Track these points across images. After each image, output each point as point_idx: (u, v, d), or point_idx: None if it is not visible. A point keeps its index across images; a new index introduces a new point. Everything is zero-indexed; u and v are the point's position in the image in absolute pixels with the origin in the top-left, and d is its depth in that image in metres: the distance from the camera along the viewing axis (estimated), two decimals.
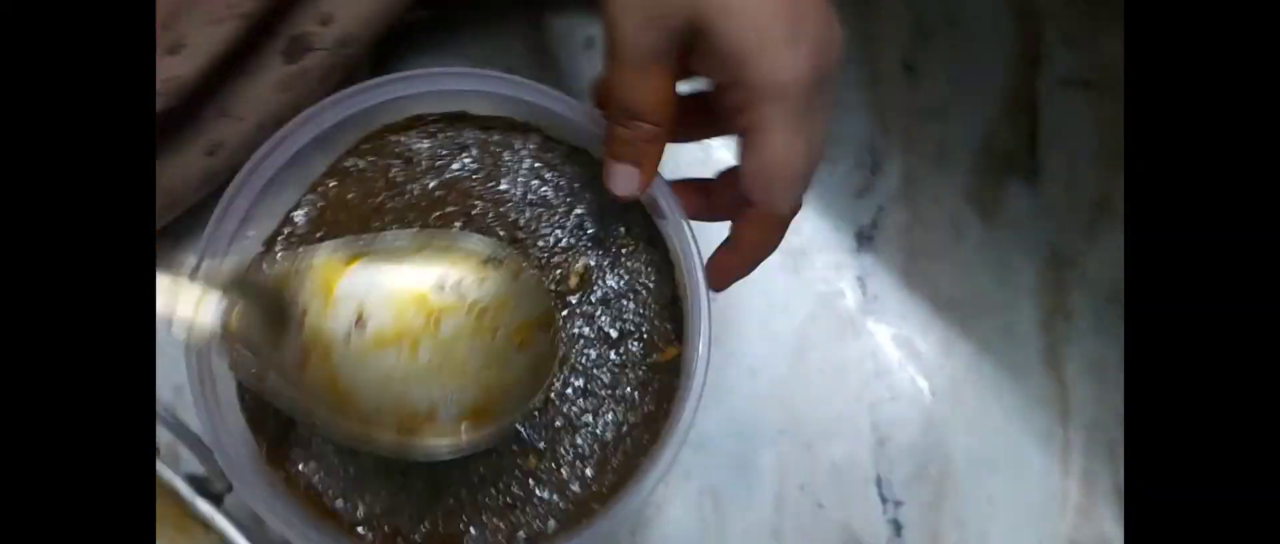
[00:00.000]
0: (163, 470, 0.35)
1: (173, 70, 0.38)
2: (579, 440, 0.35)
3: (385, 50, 0.45)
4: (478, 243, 0.32)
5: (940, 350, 0.47)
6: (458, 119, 0.37)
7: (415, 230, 0.36)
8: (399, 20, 0.42)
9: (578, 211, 0.37)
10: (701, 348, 0.34)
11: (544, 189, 0.37)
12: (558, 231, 0.37)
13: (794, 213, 0.33)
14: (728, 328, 0.47)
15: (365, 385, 0.30)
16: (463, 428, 0.31)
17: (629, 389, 0.35)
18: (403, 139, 0.37)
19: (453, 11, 0.47)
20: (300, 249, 0.35)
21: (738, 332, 0.47)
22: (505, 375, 0.32)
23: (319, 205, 0.37)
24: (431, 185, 0.36)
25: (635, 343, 0.36)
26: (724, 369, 0.46)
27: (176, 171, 0.41)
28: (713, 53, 0.29)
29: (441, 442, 0.31)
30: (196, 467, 0.36)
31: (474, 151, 0.37)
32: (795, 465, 0.46)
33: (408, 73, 0.35)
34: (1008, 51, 0.50)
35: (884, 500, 0.45)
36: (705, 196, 0.35)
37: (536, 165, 0.37)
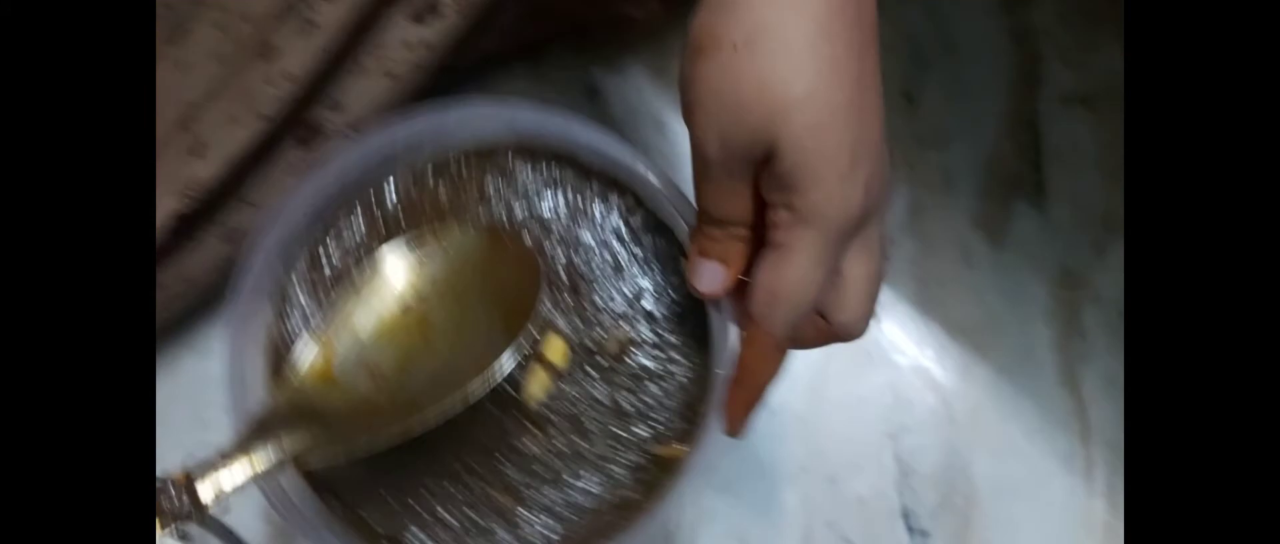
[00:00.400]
0: None
1: (194, 172, 0.39)
2: (552, 495, 0.36)
3: None
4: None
5: (958, 376, 0.47)
6: (564, 159, 0.38)
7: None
8: (410, 99, 0.43)
9: (642, 283, 0.37)
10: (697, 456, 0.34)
11: (619, 250, 0.37)
12: (616, 295, 0.37)
13: (795, 347, 0.33)
14: None
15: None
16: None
17: (619, 469, 0.36)
18: (512, 159, 0.38)
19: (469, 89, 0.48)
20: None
21: None
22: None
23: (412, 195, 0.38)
24: (517, 210, 0.37)
25: (645, 427, 0.36)
26: None
27: (195, 260, 0.42)
28: (775, 176, 0.29)
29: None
30: None
31: (568, 193, 0.38)
32: (821, 502, 0.46)
33: (520, 102, 0.36)
34: (1006, 73, 0.50)
35: (912, 531, 0.46)
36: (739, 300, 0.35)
37: (619, 226, 0.37)
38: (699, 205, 0.32)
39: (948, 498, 0.46)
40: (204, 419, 0.47)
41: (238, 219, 0.42)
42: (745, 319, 0.32)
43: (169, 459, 0.46)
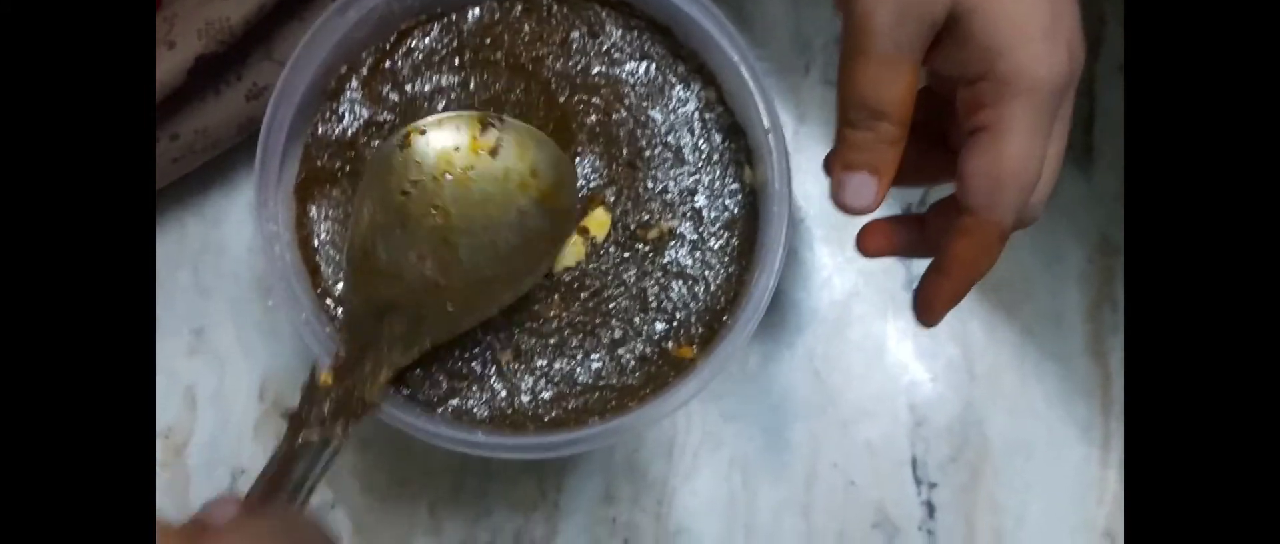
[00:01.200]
0: None
1: (221, 11, 0.37)
2: (554, 364, 0.34)
3: None
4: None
5: (984, 333, 0.46)
6: (657, 29, 0.36)
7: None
8: None
9: (701, 179, 0.36)
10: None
11: (686, 140, 0.36)
12: (671, 185, 0.35)
13: (1016, 229, 0.30)
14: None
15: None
16: None
17: (629, 357, 0.34)
18: (604, 11, 0.36)
19: None
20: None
21: (777, 303, 0.46)
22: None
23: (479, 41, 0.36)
24: (595, 70, 0.35)
25: (663, 323, 0.35)
26: (762, 341, 0.45)
27: (218, 113, 0.40)
28: (966, 44, 0.27)
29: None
30: None
31: (651, 68, 0.36)
32: (829, 442, 0.45)
33: None
34: None
35: (918, 482, 0.45)
36: (919, 229, 0.33)
37: (694, 115, 0.36)
38: (849, 100, 0.29)
39: (959, 452, 0.45)
40: (204, 286, 0.46)
41: (264, 76, 0.40)
42: (961, 211, 0.30)
43: (169, 326, 0.45)
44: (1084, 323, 0.46)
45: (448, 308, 0.32)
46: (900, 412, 0.45)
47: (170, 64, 0.37)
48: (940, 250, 0.31)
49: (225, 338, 0.46)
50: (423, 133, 0.34)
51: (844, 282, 0.46)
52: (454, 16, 0.35)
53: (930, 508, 0.45)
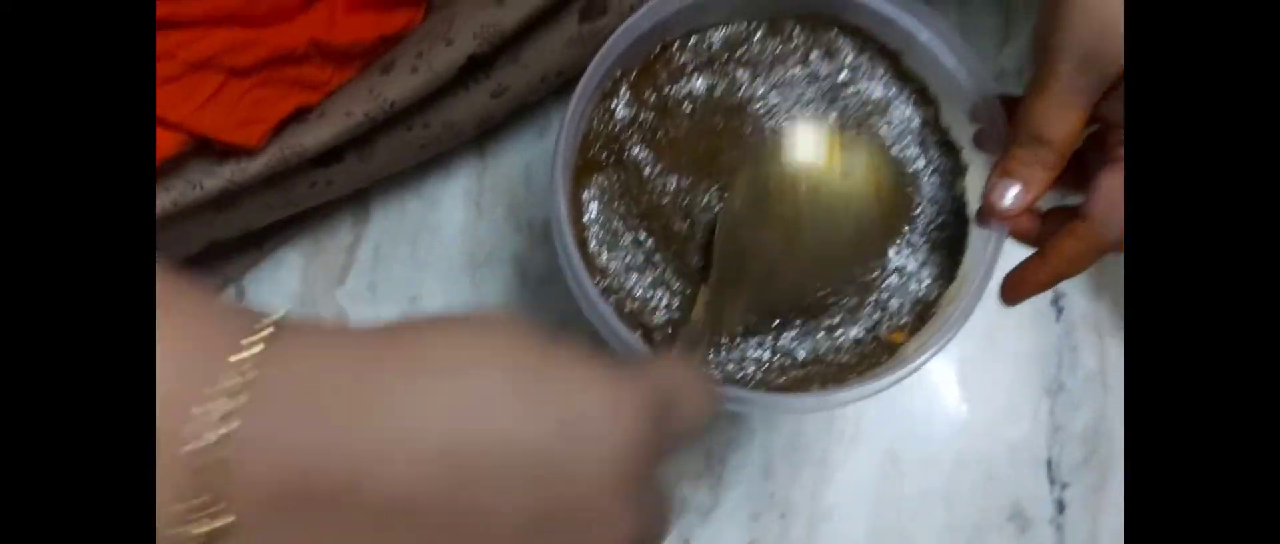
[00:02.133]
0: None
1: (493, 18, 0.42)
2: (781, 338, 0.40)
3: None
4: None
5: (1120, 349, 0.50)
6: (886, 53, 0.41)
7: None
8: None
9: (922, 191, 0.41)
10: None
11: (909, 153, 0.41)
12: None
13: (1113, 249, 0.35)
14: None
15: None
16: None
17: (848, 337, 0.40)
18: (839, 36, 0.41)
19: None
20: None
21: None
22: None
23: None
24: (826, 75, 0.41)
25: (878, 312, 0.40)
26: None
27: (464, 107, 0.45)
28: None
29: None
30: None
31: (881, 85, 0.41)
32: (973, 439, 0.50)
33: None
34: None
35: (1052, 481, 0.50)
36: (1038, 221, 0.38)
37: (917, 129, 0.41)
38: (1022, 125, 0.34)
39: (1091, 456, 0.50)
40: (420, 260, 0.51)
41: (509, 78, 0.45)
42: (1079, 217, 0.35)
43: (387, 293, 0.50)
44: None
45: (790, 278, 0.38)
46: (1041, 415, 0.50)
47: (446, 59, 0.42)
48: (1048, 243, 0.36)
49: (435, 307, 0.51)
50: (782, 140, 0.40)
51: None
52: (708, 33, 0.41)
53: (1061, 505, 0.49)
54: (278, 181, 0.44)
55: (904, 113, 0.41)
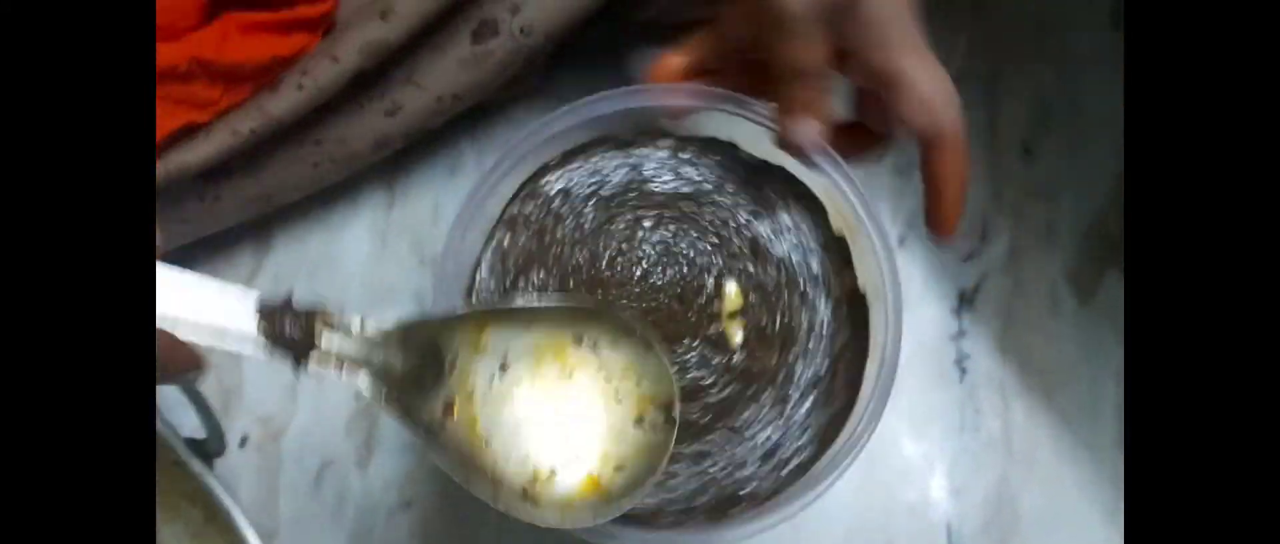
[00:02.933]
0: (163, 429, 0.41)
1: (378, 34, 0.42)
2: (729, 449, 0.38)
3: (566, 49, 0.48)
4: (619, 313, 0.34)
5: (1024, 414, 0.49)
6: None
7: (563, 295, 0.39)
8: (581, 21, 0.45)
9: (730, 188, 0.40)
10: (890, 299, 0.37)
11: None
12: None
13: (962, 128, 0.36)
14: None
15: (501, 430, 0.33)
16: (575, 500, 0.33)
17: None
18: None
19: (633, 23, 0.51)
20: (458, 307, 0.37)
21: None
22: (620, 449, 0.34)
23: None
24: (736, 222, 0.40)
25: (809, 280, 0.39)
26: None
27: (357, 126, 0.45)
28: (861, 21, 0.35)
29: (551, 512, 0.33)
30: (196, 429, 0.42)
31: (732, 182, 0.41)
32: (874, 500, 0.48)
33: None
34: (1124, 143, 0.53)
35: None
36: (846, 133, 0.39)
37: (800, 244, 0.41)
38: (783, 72, 0.36)
39: (991, 521, 0.48)
40: (318, 292, 0.51)
41: (403, 97, 0.45)
42: (922, 147, 0.36)
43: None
44: (1116, 418, 0.49)
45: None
46: (940, 478, 0.49)
47: (331, 74, 0.42)
48: (928, 181, 0.37)
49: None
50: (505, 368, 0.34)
51: (902, 351, 0.50)
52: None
53: None
54: (166, 199, 0.44)
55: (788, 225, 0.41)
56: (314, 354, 0.30)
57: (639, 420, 0.34)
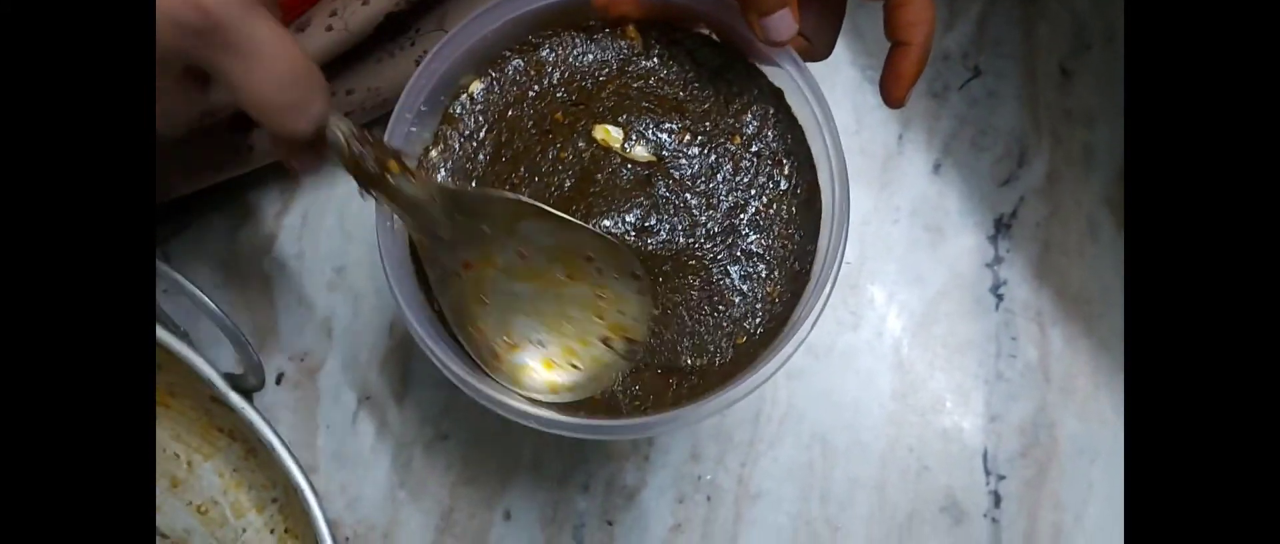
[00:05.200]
0: (200, 365, 0.41)
1: None
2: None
3: None
4: (634, 254, 0.38)
5: (1062, 341, 0.49)
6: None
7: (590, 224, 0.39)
8: None
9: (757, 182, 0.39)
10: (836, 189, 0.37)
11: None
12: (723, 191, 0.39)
13: None
14: (859, 293, 0.50)
15: (498, 298, 0.38)
16: (533, 370, 0.38)
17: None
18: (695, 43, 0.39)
19: None
20: (505, 190, 0.39)
21: (869, 298, 0.49)
22: (582, 353, 0.38)
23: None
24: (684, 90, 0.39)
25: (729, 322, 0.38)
26: (855, 330, 0.49)
27: (389, 74, 0.45)
28: None
29: (506, 375, 0.38)
30: (232, 365, 0.42)
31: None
32: (907, 427, 0.48)
33: None
34: None
35: (988, 472, 0.48)
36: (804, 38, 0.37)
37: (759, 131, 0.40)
38: None
39: (1029, 449, 0.48)
40: (348, 230, 0.51)
41: (433, 44, 0.44)
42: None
43: (314, 263, 0.49)
44: None
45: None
46: (976, 406, 0.48)
47: (363, 17, 0.41)
48: (894, 33, 0.35)
49: (361, 277, 0.50)
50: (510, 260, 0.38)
51: (934, 280, 0.49)
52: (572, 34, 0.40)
53: (996, 498, 0.48)
54: (196, 143, 0.44)
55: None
56: (382, 188, 0.34)
57: (606, 340, 0.38)
